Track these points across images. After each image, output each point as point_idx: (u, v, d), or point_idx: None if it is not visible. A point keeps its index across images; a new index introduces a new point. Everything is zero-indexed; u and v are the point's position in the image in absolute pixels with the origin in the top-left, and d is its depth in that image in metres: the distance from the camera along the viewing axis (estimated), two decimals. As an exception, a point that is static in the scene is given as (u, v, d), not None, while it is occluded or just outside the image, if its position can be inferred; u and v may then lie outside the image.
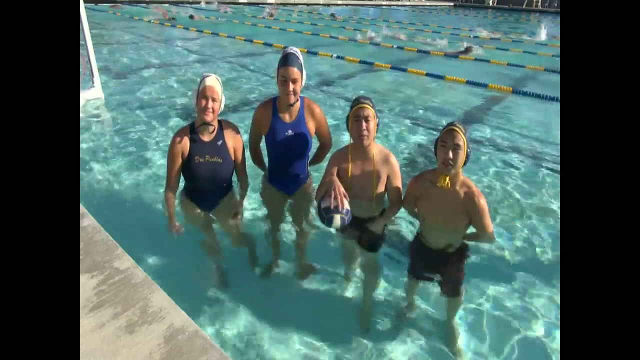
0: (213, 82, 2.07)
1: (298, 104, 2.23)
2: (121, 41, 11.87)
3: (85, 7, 5.81)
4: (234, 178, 2.44)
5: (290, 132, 2.22)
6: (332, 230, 2.16)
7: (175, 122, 5.47)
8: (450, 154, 1.79)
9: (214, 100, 2.07)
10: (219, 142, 2.22)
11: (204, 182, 2.25)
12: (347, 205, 1.94)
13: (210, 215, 2.45)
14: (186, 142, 2.17)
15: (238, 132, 2.31)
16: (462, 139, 1.77)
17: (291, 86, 2.08)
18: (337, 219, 1.92)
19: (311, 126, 2.27)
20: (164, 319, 1.70)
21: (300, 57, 2.12)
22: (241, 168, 2.38)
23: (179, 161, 2.19)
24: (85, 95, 6.03)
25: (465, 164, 1.85)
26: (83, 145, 4.57)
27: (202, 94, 2.05)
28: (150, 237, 3.00)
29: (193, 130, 2.19)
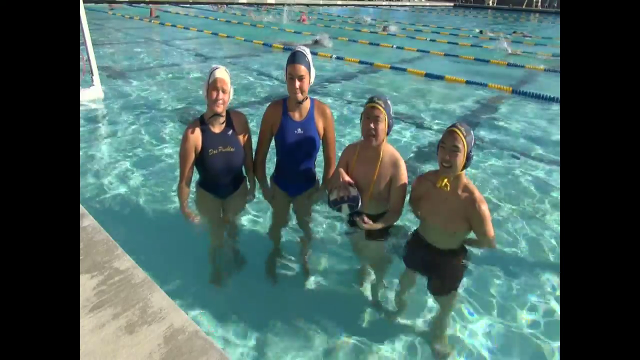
0: (223, 74, 2.09)
1: (308, 103, 2.25)
2: (121, 40, 11.87)
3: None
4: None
5: (299, 130, 2.24)
6: (343, 215, 2.22)
7: (175, 121, 5.48)
8: (448, 156, 1.78)
9: (224, 91, 2.10)
10: (230, 132, 2.25)
11: (218, 172, 2.28)
12: (353, 192, 2.03)
13: (224, 202, 2.47)
14: (198, 136, 2.19)
15: (246, 121, 2.35)
16: (461, 142, 1.75)
17: (297, 83, 2.10)
18: (346, 207, 2.07)
19: (320, 126, 2.28)
20: (164, 319, 1.70)
21: (308, 56, 2.14)
22: (249, 156, 2.42)
23: (193, 155, 2.21)
24: (85, 95, 6.02)
25: (466, 167, 1.82)
26: (83, 145, 4.57)
27: (213, 85, 2.07)
28: (150, 237, 3.00)
29: (203, 122, 2.21)
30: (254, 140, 2.40)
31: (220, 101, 2.10)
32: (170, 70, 8.40)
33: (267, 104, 2.35)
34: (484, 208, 1.83)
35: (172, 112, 5.86)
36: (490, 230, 1.88)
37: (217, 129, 2.21)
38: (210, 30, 14.65)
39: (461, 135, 1.75)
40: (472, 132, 1.82)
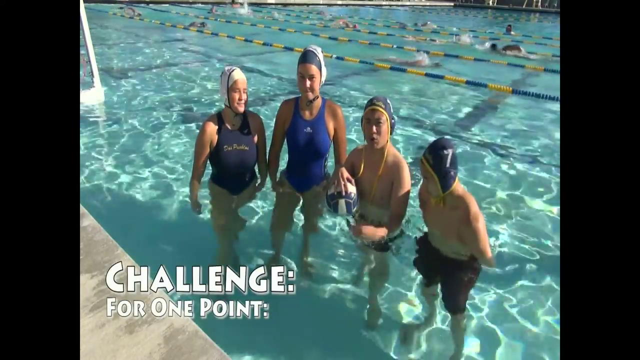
0: (242, 75, 2.19)
1: (319, 102, 2.28)
2: (121, 41, 11.87)
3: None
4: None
5: (309, 129, 2.28)
6: (340, 217, 2.18)
7: (175, 121, 5.48)
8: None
9: (244, 92, 2.20)
10: (245, 131, 2.33)
11: (232, 169, 2.35)
12: (351, 189, 2.00)
13: (235, 197, 2.53)
14: (215, 132, 2.26)
15: (261, 123, 2.43)
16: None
17: (308, 82, 2.15)
18: (342, 204, 1.98)
19: (331, 126, 2.31)
20: (164, 319, 1.70)
21: (320, 55, 2.17)
22: (261, 155, 2.48)
23: (208, 149, 2.28)
24: (85, 96, 6.02)
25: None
26: (83, 145, 4.57)
27: (234, 87, 2.16)
28: (150, 237, 3.00)
29: (221, 119, 2.29)
30: (268, 141, 2.48)
31: (242, 102, 2.20)
32: (171, 71, 8.40)
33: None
34: (477, 225, 1.69)
35: (172, 113, 5.85)
36: (486, 249, 1.73)
37: (233, 127, 2.29)
38: (211, 30, 14.63)
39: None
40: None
